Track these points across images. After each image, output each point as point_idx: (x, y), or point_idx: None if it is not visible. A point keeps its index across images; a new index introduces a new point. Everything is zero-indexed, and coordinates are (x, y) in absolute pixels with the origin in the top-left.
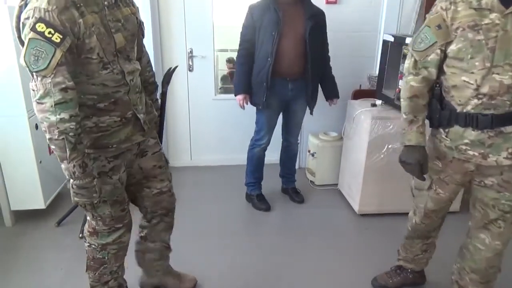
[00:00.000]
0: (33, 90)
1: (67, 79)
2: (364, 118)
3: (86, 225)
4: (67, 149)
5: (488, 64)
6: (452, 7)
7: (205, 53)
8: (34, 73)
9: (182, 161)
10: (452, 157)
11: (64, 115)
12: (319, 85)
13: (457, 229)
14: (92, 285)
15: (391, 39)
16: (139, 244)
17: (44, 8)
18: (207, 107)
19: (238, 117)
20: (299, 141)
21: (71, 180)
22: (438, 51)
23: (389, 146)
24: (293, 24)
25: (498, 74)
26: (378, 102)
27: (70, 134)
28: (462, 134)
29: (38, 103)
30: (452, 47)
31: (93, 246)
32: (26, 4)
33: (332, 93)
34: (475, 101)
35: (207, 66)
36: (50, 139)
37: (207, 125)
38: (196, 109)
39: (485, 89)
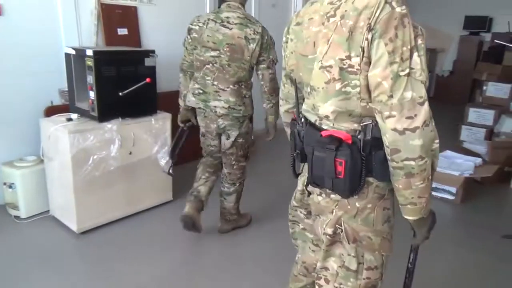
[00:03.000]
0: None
1: None
2: (61, 134)
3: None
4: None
5: None
6: None
7: None
8: (273, 64)
9: None
10: None
11: None
12: None
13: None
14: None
15: (73, 52)
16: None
17: None
18: None
19: None
20: None
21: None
22: None
23: (95, 157)
24: None
25: None
26: (74, 115)
27: None
28: None
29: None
30: None
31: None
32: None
33: None
34: None
35: None
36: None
37: None
38: None
39: None
